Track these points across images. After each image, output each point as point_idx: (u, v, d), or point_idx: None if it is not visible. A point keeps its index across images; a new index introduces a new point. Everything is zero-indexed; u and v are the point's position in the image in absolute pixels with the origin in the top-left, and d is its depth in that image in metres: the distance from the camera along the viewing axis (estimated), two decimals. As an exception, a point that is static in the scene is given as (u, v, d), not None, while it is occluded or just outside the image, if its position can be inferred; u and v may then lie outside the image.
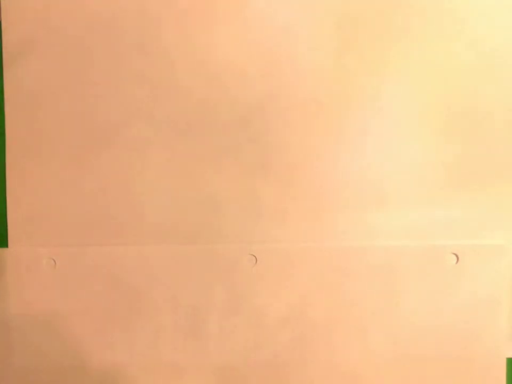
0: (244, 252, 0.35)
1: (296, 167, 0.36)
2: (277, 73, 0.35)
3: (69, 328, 0.36)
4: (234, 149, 0.36)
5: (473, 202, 0.35)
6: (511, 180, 0.35)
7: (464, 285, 0.35)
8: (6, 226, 0.36)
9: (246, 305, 0.35)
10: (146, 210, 0.36)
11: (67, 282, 0.36)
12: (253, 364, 0.36)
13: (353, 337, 0.35)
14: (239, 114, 0.35)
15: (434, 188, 0.36)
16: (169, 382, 0.36)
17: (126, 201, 0.36)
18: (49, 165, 0.36)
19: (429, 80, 0.35)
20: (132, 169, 0.36)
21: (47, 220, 0.36)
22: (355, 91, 0.35)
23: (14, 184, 0.36)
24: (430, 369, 0.35)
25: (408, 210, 0.35)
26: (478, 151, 0.35)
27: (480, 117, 0.35)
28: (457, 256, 0.35)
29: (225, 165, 0.36)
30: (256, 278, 0.35)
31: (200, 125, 0.36)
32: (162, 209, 0.36)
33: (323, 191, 0.36)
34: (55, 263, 0.35)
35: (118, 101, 0.36)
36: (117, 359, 0.36)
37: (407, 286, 0.35)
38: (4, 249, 0.36)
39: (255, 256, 0.35)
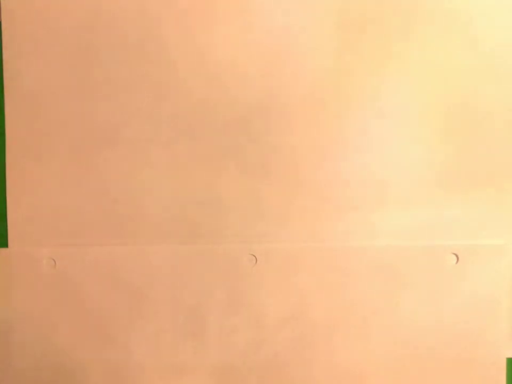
0: (244, 252, 0.35)
1: (297, 167, 0.36)
2: (277, 73, 0.35)
3: (69, 328, 0.36)
4: (234, 148, 0.36)
5: (473, 203, 0.35)
6: (511, 180, 0.35)
7: (464, 285, 0.35)
8: (6, 226, 0.36)
9: (246, 305, 0.35)
10: (146, 210, 0.36)
11: (67, 282, 0.36)
12: (253, 364, 0.36)
13: (354, 337, 0.35)
14: (239, 114, 0.35)
15: (434, 188, 0.36)
16: (169, 382, 0.36)
17: (126, 201, 0.36)
18: (49, 165, 0.36)
19: (429, 80, 0.35)
20: (132, 169, 0.36)
21: (47, 220, 0.36)
22: (355, 91, 0.35)
23: (14, 184, 0.36)
24: (430, 369, 0.35)
25: (409, 211, 0.35)
26: (479, 151, 0.35)
27: (480, 117, 0.35)
28: (457, 256, 0.35)
29: (226, 165, 0.36)
30: (256, 278, 0.35)
31: (201, 125, 0.36)
32: (162, 209, 0.36)
33: (323, 191, 0.36)
34: (55, 263, 0.35)
35: (118, 101, 0.36)
36: (117, 359, 0.36)
37: (407, 286, 0.35)
38: (4, 249, 0.36)
39: (255, 256, 0.35)
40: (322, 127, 0.35)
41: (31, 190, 0.36)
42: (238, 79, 0.35)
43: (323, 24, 0.35)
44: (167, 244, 0.36)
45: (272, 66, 0.35)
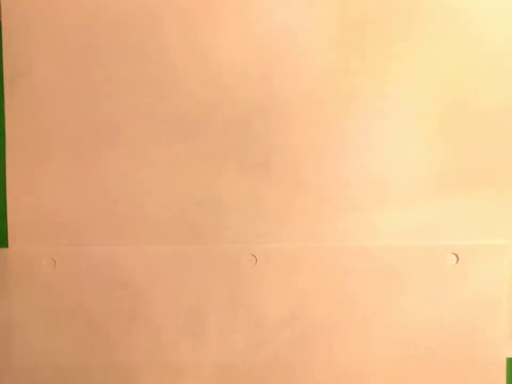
0: (244, 252, 0.35)
1: (297, 167, 0.36)
2: (277, 73, 0.35)
3: (69, 328, 0.36)
4: (235, 148, 0.36)
5: (473, 203, 0.35)
6: (511, 180, 0.35)
7: (464, 285, 0.35)
8: (6, 226, 0.36)
9: (246, 305, 0.35)
10: (146, 210, 0.36)
11: (67, 282, 0.35)
12: (253, 364, 0.36)
13: (354, 337, 0.35)
14: (240, 114, 0.35)
15: (434, 188, 0.36)
16: (169, 381, 0.36)
17: (126, 201, 0.36)
18: (49, 165, 0.36)
19: (429, 80, 0.35)
20: (132, 169, 0.36)
21: (47, 220, 0.36)
22: (355, 91, 0.35)
23: (14, 184, 0.36)
24: (430, 369, 0.35)
25: (409, 211, 0.35)
26: (479, 151, 0.35)
27: (480, 117, 0.35)
28: (457, 256, 0.35)
29: (226, 165, 0.36)
30: (256, 278, 0.35)
31: (202, 125, 0.36)
32: (162, 209, 0.36)
33: (324, 191, 0.36)
34: (55, 263, 0.35)
35: (119, 101, 0.36)
36: (117, 359, 0.36)
37: (407, 286, 0.35)
38: (4, 249, 0.36)
39: (255, 256, 0.35)
40: (322, 127, 0.35)
41: (31, 190, 0.36)
42: (238, 79, 0.35)
43: (323, 24, 0.35)
44: (167, 244, 0.36)
45: (272, 66, 0.35)
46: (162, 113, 0.36)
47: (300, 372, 0.36)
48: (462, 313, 0.35)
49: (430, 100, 0.35)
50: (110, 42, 0.35)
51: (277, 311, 0.35)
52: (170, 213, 0.36)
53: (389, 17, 0.35)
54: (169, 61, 0.35)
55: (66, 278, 0.36)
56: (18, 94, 0.36)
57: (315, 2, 0.35)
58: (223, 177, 0.36)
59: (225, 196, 0.36)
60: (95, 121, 0.36)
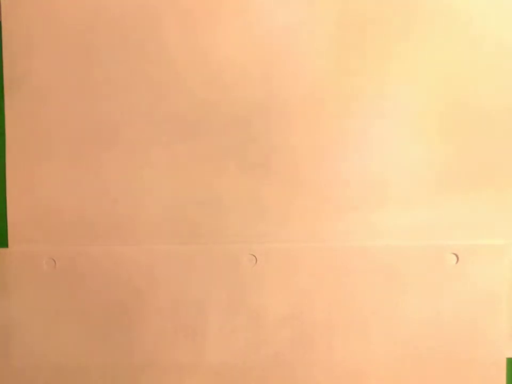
0: (244, 252, 0.35)
1: (297, 167, 0.36)
2: (278, 73, 0.35)
3: (69, 328, 0.36)
4: (235, 148, 0.36)
5: (473, 203, 0.35)
6: (511, 180, 0.36)
7: (464, 285, 0.35)
8: (6, 226, 0.36)
9: (246, 305, 0.35)
10: (146, 210, 0.36)
11: (67, 282, 0.36)
12: (253, 364, 0.36)
13: (354, 337, 0.35)
14: (240, 114, 0.35)
15: (434, 188, 0.36)
16: (169, 381, 0.36)
17: (126, 201, 0.36)
18: (49, 165, 0.36)
19: (429, 80, 0.35)
20: (132, 169, 0.36)
21: (47, 220, 0.36)
22: (355, 91, 0.35)
23: (14, 184, 0.36)
24: (430, 369, 0.35)
25: (409, 211, 0.35)
26: (479, 152, 0.35)
27: (480, 117, 0.35)
28: (457, 256, 0.35)
29: (226, 165, 0.36)
30: (256, 278, 0.35)
31: (202, 125, 0.36)
32: (162, 209, 0.36)
33: (324, 191, 0.36)
34: (55, 263, 0.35)
35: (119, 101, 0.36)
36: (117, 359, 0.36)
37: (407, 286, 0.35)
38: (4, 249, 0.36)
39: (255, 256, 0.35)
40: (322, 127, 0.35)
41: (31, 190, 0.36)
42: (238, 79, 0.35)
43: (323, 24, 0.35)
44: (167, 244, 0.36)
45: (272, 66, 0.35)
46: (162, 113, 0.36)
47: (300, 372, 0.36)
48: (462, 313, 0.35)
49: (430, 100, 0.35)
50: (110, 42, 0.35)
51: (277, 311, 0.35)
52: (170, 213, 0.36)
53: (389, 17, 0.35)
54: (169, 61, 0.35)
55: (66, 278, 0.35)
56: (18, 94, 0.36)
57: (315, 2, 0.35)
58: (223, 177, 0.36)
59: (225, 196, 0.36)
60: (95, 121, 0.36)
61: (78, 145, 0.36)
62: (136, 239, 0.36)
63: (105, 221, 0.36)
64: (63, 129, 0.36)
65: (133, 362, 0.36)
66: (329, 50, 0.35)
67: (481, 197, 0.35)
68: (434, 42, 0.35)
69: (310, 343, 0.35)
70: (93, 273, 0.35)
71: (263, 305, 0.35)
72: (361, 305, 0.35)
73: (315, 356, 0.36)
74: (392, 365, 0.35)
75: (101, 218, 0.36)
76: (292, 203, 0.36)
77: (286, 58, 0.35)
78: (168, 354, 0.36)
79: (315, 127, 0.35)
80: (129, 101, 0.36)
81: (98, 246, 0.36)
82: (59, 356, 0.36)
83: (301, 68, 0.35)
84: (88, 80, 0.36)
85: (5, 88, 0.36)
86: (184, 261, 0.35)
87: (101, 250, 0.36)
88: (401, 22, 0.35)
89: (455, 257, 0.35)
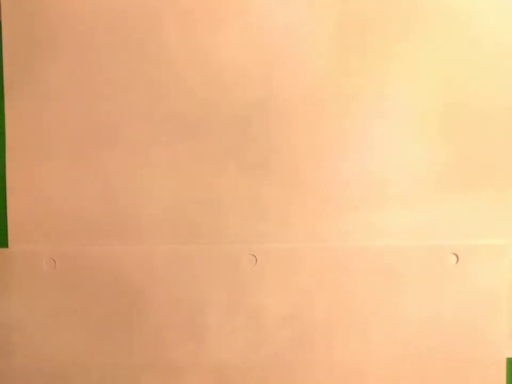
0: (244, 252, 0.35)
1: (297, 167, 0.36)
2: (278, 73, 0.35)
3: (69, 328, 0.36)
4: (235, 148, 0.36)
5: (473, 203, 0.35)
6: (511, 180, 0.36)
7: (464, 285, 0.35)
8: (6, 226, 0.36)
9: (246, 305, 0.35)
10: (146, 210, 0.36)
11: (67, 282, 0.36)
12: (253, 364, 0.36)
13: (354, 337, 0.35)
14: (240, 114, 0.35)
15: (434, 188, 0.36)
16: (169, 381, 0.36)
17: (126, 201, 0.36)
18: (49, 165, 0.36)
19: (429, 80, 0.35)
20: (132, 169, 0.36)
21: (47, 220, 0.36)
22: (355, 91, 0.35)
23: (14, 184, 0.36)
24: (430, 369, 0.35)
25: (409, 211, 0.35)
26: (479, 152, 0.35)
27: (480, 117, 0.35)
28: (457, 256, 0.35)
29: (226, 165, 0.36)
30: (256, 278, 0.35)
31: (202, 125, 0.36)
32: (162, 209, 0.36)
33: (324, 191, 0.36)
34: (55, 263, 0.35)
35: (119, 101, 0.36)
36: (117, 359, 0.36)
37: (407, 286, 0.35)
38: (4, 249, 0.36)
39: (255, 256, 0.35)
40: (322, 127, 0.35)
41: (31, 190, 0.36)
42: (238, 79, 0.35)
43: (323, 24, 0.35)
44: (167, 244, 0.36)
45: (272, 66, 0.35)
46: (162, 113, 0.36)
47: (300, 372, 0.36)
48: (462, 313, 0.35)
49: (430, 100, 0.35)
50: (110, 42, 0.35)
51: (277, 311, 0.35)
52: (170, 213, 0.36)
53: (389, 17, 0.35)
54: (169, 61, 0.35)
55: (66, 278, 0.36)
56: (18, 94, 0.36)
57: (315, 2, 0.35)
58: (223, 177, 0.36)
59: (225, 196, 0.36)
60: (95, 121, 0.36)
61: (78, 145, 0.36)
62: (136, 239, 0.36)
63: (105, 221, 0.36)
64: (63, 129, 0.36)
65: (133, 362, 0.36)
66: (329, 50, 0.35)
67: (481, 197, 0.35)
68: (434, 42, 0.35)
69: (310, 343, 0.35)
70: (93, 273, 0.35)
71: (263, 305, 0.35)
72: (361, 305, 0.35)
73: (315, 355, 0.36)
74: (392, 365, 0.35)
75: (101, 218, 0.36)
76: (292, 203, 0.36)
77: (286, 58, 0.35)
78: (168, 354, 0.36)
79: (315, 127, 0.35)
80: (129, 101, 0.36)
81: (98, 246, 0.36)
82: (59, 355, 0.36)
83: (301, 68, 0.35)
84: (88, 80, 0.36)
85: (5, 88, 0.36)
86: (184, 261, 0.35)
87: (101, 250, 0.36)
88: (401, 22, 0.35)
89: (455, 257, 0.35)
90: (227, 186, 0.36)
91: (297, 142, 0.35)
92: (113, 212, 0.36)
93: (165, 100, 0.36)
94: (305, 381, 0.36)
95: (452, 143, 0.35)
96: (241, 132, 0.36)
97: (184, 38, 0.35)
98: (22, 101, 0.36)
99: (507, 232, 0.35)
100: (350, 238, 0.36)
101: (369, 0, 0.35)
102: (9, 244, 0.36)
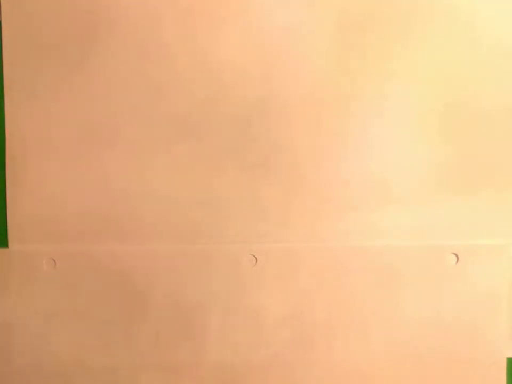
0: (244, 252, 0.35)
1: (297, 167, 0.36)
2: (278, 73, 0.35)
3: (69, 328, 0.36)
4: (235, 148, 0.36)
5: (473, 202, 0.35)
6: (511, 180, 0.36)
7: (464, 285, 0.35)
8: (6, 226, 0.36)
9: (246, 305, 0.35)
10: (146, 210, 0.36)
11: (67, 282, 0.35)
12: (253, 364, 0.36)
13: (354, 337, 0.35)
14: (240, 114, 0.35)
15: (434, 188, 0.36)
16: (169, 381, 0.36)
17: (126, 201, 0.36)
18: (50, 164, 0.36)
19: (429, 80, 0.35)
20: (132, 169, 0.36)
21: (47, 220, 0.36)
22: (355, 91, 0.35)
23: (14, 184, 0.36)
24: (430, 369, 0.35)
25: (409, 211, 0.35)
26: (479, 152, 0.35)
27: (480, 117, 0.35)
28: (457, 256, 0.35)
29: (226, 165, 0.36)
30: (256, 278, 0.35)
31: (201, 125, 0.36)
32: (162, 209, 0.36)
33: (324, 191, 0.36)
34: (55, 263, 0.35)
35: (119, 101, 0.36)
36: (117, 359, 0.36)
37: (407, 286, 0.35)
38: (4, 249, 0.36)
39: (255, 256, 0.35)
40: (322, 127, 0.35)
41: (31, 190, 0.36)
42: (238, 79, 0.35)
43: (323, 24, 0.35)
44: (167, 244, 0.36)
45: (272, 66, 0.35)
46: (162, 113, 0.36)
47: (300, 371, 0.36)
48: (462, 313, 0.35)
49: (430, 99, 0.35)
50: (110, 42, 0.35)
51: (277, 311, 0.35)
52: (170, 213, 0.36)
53: (389, 17, 0.35)
54: (169, 61, 0.35)
55: (66, 278, 0.35)
56: (18, 94, 0.36)
57: (315, 2, 0.35)
58: (223, 177, 0.36)
59: (225, 196, 0.36)
60: (94, 121, 0.36)
61: (78, 145, 0.36)
62: (136, 239, 0.36)
63: (105, 221, 0.36)
64: (63, 129, 0.36)
65: (133, 362, 0.36)
66: (329, 50, 0.35)
67: (481, 197, 0.35)
68: (434, 42, 0.35)
69: (310, 343, 0.35)
70: (93, 273, 0.35)
71: (263, 305, 0.35)
72: (361, 305, 0.35)
73: (315, 355, 0.36)
74: (392, 365, 0.35)
75: (101, 219, 0.36)
76: (292, 203, 0.36)
77: (286, 58, 0.35)
78: (168, 354, 0.36)
79: (315, 127, 0.35)
80: (129, 101, 0.36)
81: (98, 246, 0.36)
82: (59, 355, 0.36)
83: (301, 68, 0.35)
84: (88, 80, 0.36)
85: (5, 88, 0.36)
86: (184, 261, 0.35)
87: (101, 250, 0.36)
88: (401, 22, 0.35)
89: (455, 257, 0.35)
90: (227, 186, 0.36)
91: (297, 142, 0.35)
92: (113, 212, 0.36)
93: (165, 100, 0.36)
94: (305, 381, 0.36)
95: (452, 143, 0.35)
96: (241, 131, 0.36)
97: (184, 38, 0.35)
98: (22, 101, 0.36)
99: (507, 232, 0.35)
100: (350, 238, 0.36)
101: (369, 0, 0.35)
102: (9, 244, 0.36)
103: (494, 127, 0.35)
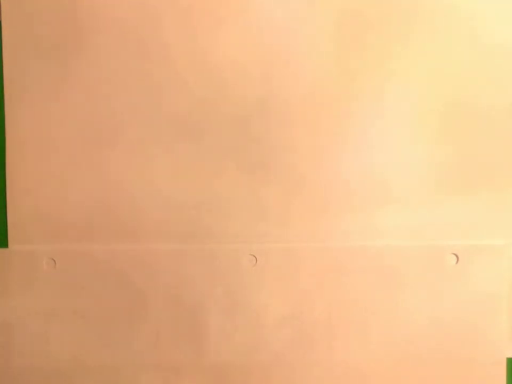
0: (244, 252, 0.35)
1: (297, 167, 0.36)
2: (277, 73, 0.35)
3: (69, 328, 0.36)
4: (235, 148, 0.36)
5: (473, 202, 0.35)
6: (511, 180, 0.36)
7: (464, 285, 0.35)
8: (6, 226, 0.36)
9: (246, 305, 0.35)
10: (146, 210, 0.36)
11: (67, 282, 0.36)
12: (253, 364, 0.36)
13: (354, 337, 0.35)
14: (240, 114, 0.35)
15: (434, 188, 0.36)
16: (169, 382, 0.36)
17: (126, 201, 0.36)
18: (49, 165, 0.36)
19: (429, 80, 0.35)
20: (131, 169, 0.36)
21: (47, 220, 0.36)
22: (355, 91, 0.35)
23: (14, 184, 0.36)
24: (430, 369, 0.35)
25: (409, 211, 0.35)
26: (479, 152, 0.35)
27: (480, 117, 0.35)
28: (457, 256, 0.35)
29: (226, 165, 0.36)
30: (256, 278, 0.35)
31: (201, 125, 0.36)
32: (162, 209, 0.36)
33: (323, 192, 0.36)
34: (55, 263, 0.35)
35: (119, 101, 0.36)
36: (117, 359, 0.36)
37: (407, 286, 0.35)
38: (4, 249, 0.36)
39: (255, 256, 0.35)
40: (322, 127, 0.35)
41: (31, 190, 0.36)
42: (238, 79, 0.35)
43: (323, 24, 0.35)
44: (167, 244, 0.36)
45: (272, 66, 0.35)
46: (162, 113, 0.36)
47: (300, 371, 0.36)
48: (462, 313, 0.35)
49: (430, 100, 0.35)
50: (110, 42, 0.35)
51: (277, 311, 0.35)
52: (170, 213, 0.36)
53: (389, 17, 0.35)
54: (169, 61, 0.35)
55: (66, 278, 0.35)
56: (18, 94, 0.36)
57: (315, 2, 0.35)
58: (223, 177, 0.36)
59: (225, 196, 0.36)
60: (94, 121, 0.36)
61: (78, 145, 0.36)
62: (137, 239, 0.36)
63: (105, 221, 0.36)
64: (63, 129, 0.36)
65: (133, 362, 0.36)
66: (329, 50, 0.35)
67: (481, 197, 0.35)
68: (434, 42, 0.35)
69: (310, 343, 0.36)
70: (93, 273, 0.35)
71: (263, 305, 0.35)
72: (361, 305, 0.35)
73: (315, 356, 0.36)
74: (392, 365, 0.35)
75: (101, 218, 0.36)
76: (292, 203, 0.36)
77: (286, 58, 0.35)
78: (168, 354, 0.36)
79: (315, 127, 0.35)
80: (129, 101, 0.36)
81: (98, 246, 0.36)
82: (59, 355, 0.36)
83: (301, 68, 0.35)
84: (88, 80, 0.36)
85: (5, 88, 0.36)
86: (184, 261, 0.35)
87: (101, 250, 0.36)
88: (401, 22, 0.35)
89: (455, 258, 0.35)
90: (227, 187, 0.36)
91: (297, 142, 0.35)
92: (113, 212, 0.36)
93: (165, 99, 0.36)
94: (305, 381, 0.36)
95: (452, 143, 0.35)
96: (241, 132, 0.36)
97: (184, 38, 0.35)
98: (22, 101, 0.36)
99: (507, 232, 0.35)
100: (350, 238, 0.36)
101: (369, 0, 0.35)
102: (9, 244, 0.36)
103: (494, 127, 0.35)
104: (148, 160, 0.36)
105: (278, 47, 0.35)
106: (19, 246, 0.36)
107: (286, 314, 0.35)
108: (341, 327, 0.35)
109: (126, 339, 0.36)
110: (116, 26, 0.35)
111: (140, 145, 0.36)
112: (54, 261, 0.35)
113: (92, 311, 0.36)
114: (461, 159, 0.36)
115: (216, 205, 0.36)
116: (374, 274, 0.35)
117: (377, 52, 0.35)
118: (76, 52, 0.35)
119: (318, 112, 0.35)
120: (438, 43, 0.35)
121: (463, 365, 0.35)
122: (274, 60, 0.35)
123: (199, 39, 0.35)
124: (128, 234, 0.36)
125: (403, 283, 0.35)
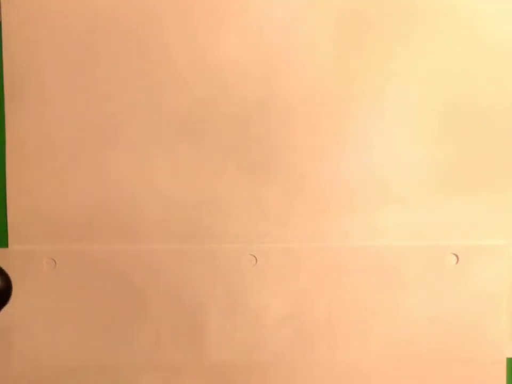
0: (244, 252, 0.35)
1: (297, 167, 0.36)
2: (277, 73, 0.35)
3: (69, 328, 0.36)
4: (235, 148, 0.36)
5: (473, 202, 0.35)
6: (511, 180, 0.36)
7: (464, 285, 0.35)
8: (6, 226, 0.36)
9: (246, 305, 0.35)
10: (146, 210, 0.36)
11: (67, 282, 0.36)
12: (253, 364, 0.36)
13: (354, 337, 0.35)
14: (240, 114, 0.35)
15: (434, 188, 0.36)
16: (169, 382, 0.36)
17: (126, 201, 0.36)
18: (49, 165, 0.36)
19: (429, 80, 0.35)
20: (132, 169, 0.36)
21: (47, 220, 0.36)
22: (355, 91, 0.35)
23: (14, 184, 0.36)
24: (430, 369, 0.35)
25: (409, 211, 0.35)
26: (479, 152, 0.35)
27: (480, 117, 0.35)
28: (457, 256, 0.35)
29: (226, 165, 0.36)
30: (256, 278, 0.35)
31: (201, 125, 0.36)
32: (162, 209, 0.36)
33: (323, 192, 0.36)
34: (55, 263, 0.35)
35: (119, 101, 0.36)
36: (117, 359, 0.36)
37: (407, 286, 0.35)
38: (4, 249, 0.36)
39: (255, 256, 0.35)
40: (323, 127, 0.35)
41: (31, 190, 0.36)
42: (238, 79, 0.35)
43: (323, 24, 0.35)
44: (167, 244, 0.36)
45: (272, 66, 0.35)
46: (163, 113, 0.36)
47: (300, 371, 0.36)
48: (462, 313, 0.35)
49: (430, 100, 0.35)
50: (110, 42, 0.35)
51: (277, 311, 0.35)
52: (170, 213, 0.36)
53: (389, 17, 0.35)
54: (169, 61, 0.35)
55: (66, 278, 0.36)
56: (18, 94, 0.36)
57: (315, 2, 0.35)
58: (223, 177, 0.36)
59: (225, 196, 0.36)
60: (95, 121, 0.36)
61: (78, 145, 0.36)
62: (136, 239, 0.36)
63: (105, 221, 0.36)
64: (63, 129, 0.36)
65: (133, 362, 0.36)
66: (329, 50, 0.35)
67: (481, 197, 0.35)
68: (434, 42, 0.35)
69: (310, 343, 0.36)
70: (93, 273, 0.35)
71: (263, 305, 0.35)
72: (361, 305, 0.35)
73: (315, 356, 0.36)
74: (392, 365, 0.35)
75: (101, 218, 0.36)
76: (292, 203, 0.36)
77: (286, 58, 0.35)
78: (168, 354, 0.36)
79: (315, 127, 0.35)
80: (129, 101, 0.36)
81: (98, 246, 0.36)
82: (59, 355, 0.36)
83: (301, 68, 0.35)
84: (88, 80, 0.36)
85: (5, 88, 0.36)
86: (184, 261, 0.35)
87: (101, 250, 0.36)
88: (401, 22, 0.35)
89: (455, 258, 0.35)
90: (227, 187, 0.36)
91: (297, 142, 0.35)
92: (113, 212, 0.36)
93: (165, 99, 0.36)
94: (305, 381, 0.36)
95: (452, 143, 0.35)
96: (241, 131, 0.36)
97: (184, 38, 0.35)
98: (22, 101, 0.36)
99: (507, 232, 0.35)
100: (350, 238, 0.36)
101: (369, 0, 0.35)
102: (9, 244, 0.36)
103: (494, 127, 0.35)
104: (148, 160, 0.36)
105: (278, 47, 0.35)
106: (19, 246, 0.36)
107: (286, 314, 0.35)
108: (341, 327, 0.35)
109: (126, 339, 0.36)
110: (116, 26, 0.35)
111: (140, 145, 0.36)
112: (54, 261, 0.35)
113: (92, 311, 0.36)
114: (461, 159, 0.36)
115: (216, 205, 0.36)
116: (374, 274, 0.35)
117: (377, 52, 0.35)
118: (75, 52, 0.35)
119: (318, 112, 0.35)
120: (438, 43, 0.35)
121: (463, 365, 0.35)
122: (274, 60, 0.35)
123: (199, 39, 0.35)
124: (128, 234, 0.36)
125: (403, 283, 0.35)
